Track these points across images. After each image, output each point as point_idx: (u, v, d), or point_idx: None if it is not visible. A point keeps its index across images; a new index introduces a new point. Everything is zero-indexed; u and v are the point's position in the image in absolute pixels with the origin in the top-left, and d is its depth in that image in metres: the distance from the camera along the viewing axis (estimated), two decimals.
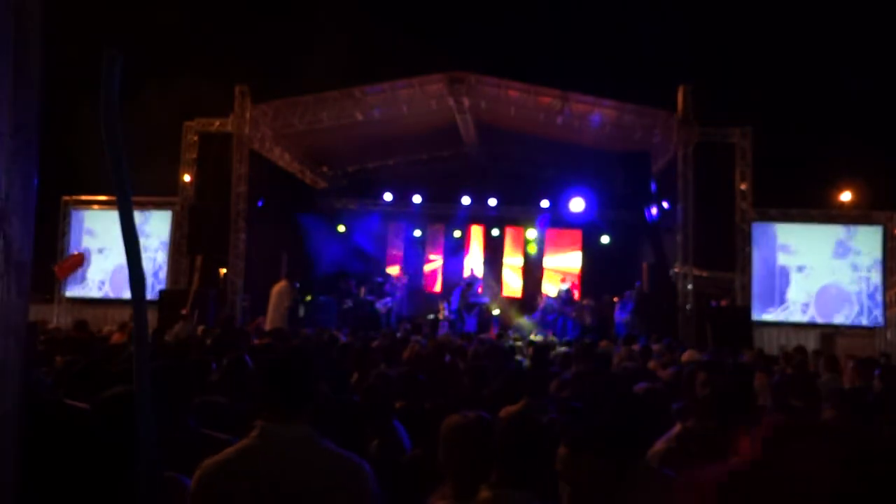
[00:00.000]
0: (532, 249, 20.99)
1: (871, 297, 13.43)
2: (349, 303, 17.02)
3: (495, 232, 21.19)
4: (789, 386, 4.84)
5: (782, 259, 12.78)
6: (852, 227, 13.89)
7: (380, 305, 17.22)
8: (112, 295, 15.90)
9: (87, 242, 16.04)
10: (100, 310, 15.78)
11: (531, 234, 20.89)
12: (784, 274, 12.63)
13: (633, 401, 2.72)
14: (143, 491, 1.60)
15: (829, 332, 14.41)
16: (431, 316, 17.90)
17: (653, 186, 14.45)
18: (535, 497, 2.02)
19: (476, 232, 21.40)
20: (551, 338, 13.93)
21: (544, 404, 4.24)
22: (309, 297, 15.39)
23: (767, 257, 12.60)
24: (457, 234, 21.06)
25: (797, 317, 12.22)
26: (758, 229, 12.98)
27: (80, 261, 14.45)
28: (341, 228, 20.59)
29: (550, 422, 2.88)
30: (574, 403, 4.33)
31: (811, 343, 13.78)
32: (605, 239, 19.79)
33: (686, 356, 7.08)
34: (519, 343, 11.41)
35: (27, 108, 1.33)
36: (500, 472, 2.01)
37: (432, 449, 2.81)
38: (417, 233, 21.37)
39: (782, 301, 12.59)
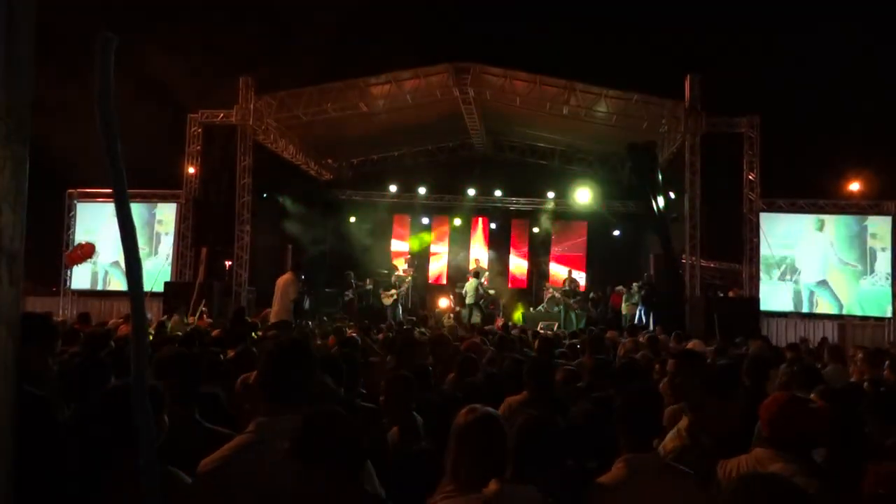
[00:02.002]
0: (536, 241, 20.95)
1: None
2: (350, 294, 17.05)
3: (501, 223, 21.14)
4: (794, 377, 4.78)
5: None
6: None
7: (384, 297, 17.21)
8: None
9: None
10: (105, 301, 15.82)
11: (537, 225, 20.83)
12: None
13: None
14: (145, 485, 1.57)
15: (839, 323, 14.39)
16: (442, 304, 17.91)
17: (660, 176, 14.35)
18: (538, 492, 2.04)
19: (481, 223, 21.35)
20: (558, 329, 13.86)
21: (546, 396, 4.20)
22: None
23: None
24: (457, 221, 20.98)
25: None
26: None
27: (90, 252, 14.48)
28: (351, 220, 20.59)
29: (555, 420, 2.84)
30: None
31: (821, 333, 13.76)
32: (612, 229, 19.71)
33: (691, 346, 7.03)
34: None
35: (19, 90, 1.28)
36: (513, 468, 2.03)
37: (438, 441, 2.78)
38: (423, 223, 21.32)
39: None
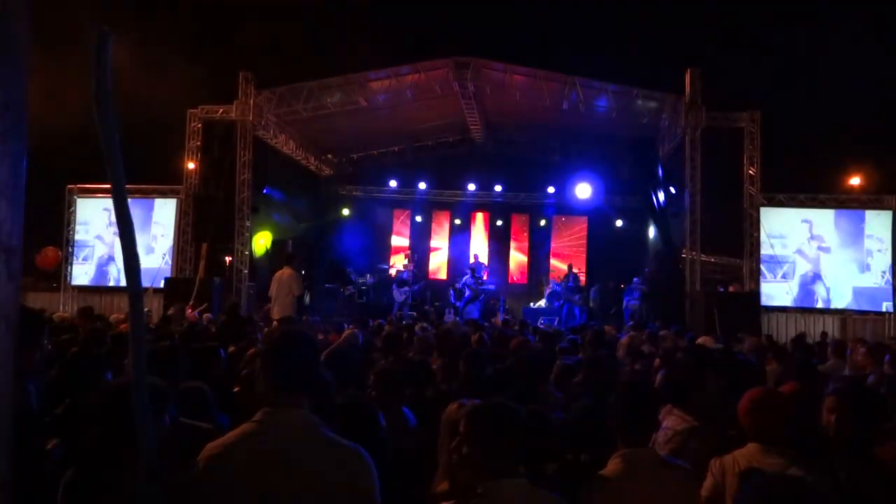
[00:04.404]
0: (536, 236, 20.94)
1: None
2: (351, 289, 17.05)
3: (501, 218, 21.12)
4: (792, 371, 4.78)
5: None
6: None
7: (396, 293, 17.21)
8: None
9: None
10: (107, 297, 15.82)
11: (537, 220, 20.82)
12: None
13: None
14: (145, 483, 1.57)
15: (840, 318, 14.39)
16: (437, 303, 17.92)
17: (660, 171, 14.34)
18: (528, 484, 1.98)
19: (481, 219, 21.34)
20: (558, 325, 13.88)
21: (548, 390, 4.22)
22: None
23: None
24: (457, 221, 21.00)
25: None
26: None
27: (53, 257, 14.43)
28: (345, 213, 20.60)
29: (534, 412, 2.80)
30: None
31: (821, 328, 13.78)
32: (613, 223, 19.68)
33: (700, 342, 7.03)
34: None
35: (15, 86, 1.28)
36: (493, 462, 1.95)
37: (431, 437, 2.78)
38: (420, 219, 21.30)
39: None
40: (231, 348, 5.44)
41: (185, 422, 2.74)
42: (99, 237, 16.24)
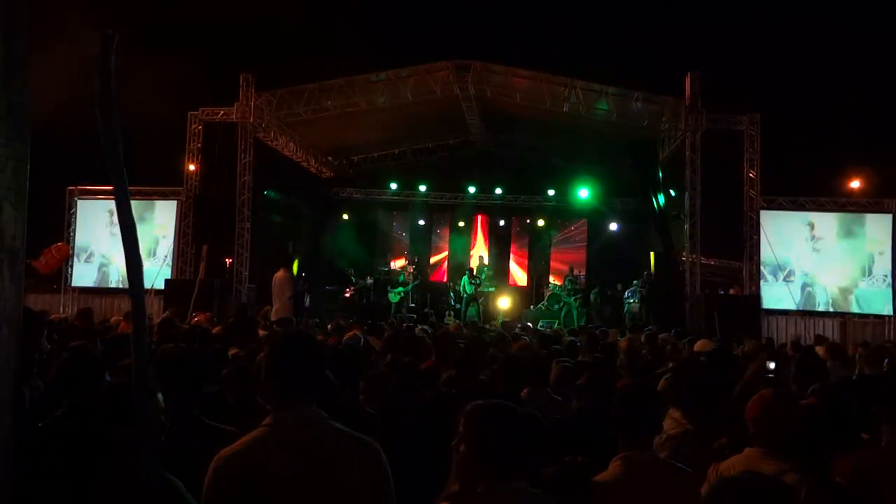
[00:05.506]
0: (536, 238, 20.94)
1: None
2: (351, 291, 17.06)
3: (501, 221, 21.12)
4: (798, 374, 4.77)
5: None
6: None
7: (393, 295, 17.22)
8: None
9: None
10: (107, 299, 15.81)
11: (537, 223, 20.82)
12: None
13: None
14: (143, 482, 1.57)
15: (840, 320, 14.38)
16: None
17: (660, 174, 14.35)
18: (528, 486, 1.97)
19: (482, 221, 21.34)
20: (557, 327, 13.86)
21: (547, 392, 4.21)
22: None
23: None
24: (457, 219, 21.00)
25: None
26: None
27: (65, 252, 14.33)
28: (351, 218, 20.61)
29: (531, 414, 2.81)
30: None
31: (821, 331, 13.76)
32: (613, 226, 19.67)
33: (699, 346, 7.02)
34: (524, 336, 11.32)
35: (19, 90, 1.29)
36: (493, 463, 1.94)
37: (431, 439, 2.78)
38: (421, 222, 21.29)
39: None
40: (233, 350, 5.44)
41: (210, 424, 2.74)
42: (99, 239, 16.24)
